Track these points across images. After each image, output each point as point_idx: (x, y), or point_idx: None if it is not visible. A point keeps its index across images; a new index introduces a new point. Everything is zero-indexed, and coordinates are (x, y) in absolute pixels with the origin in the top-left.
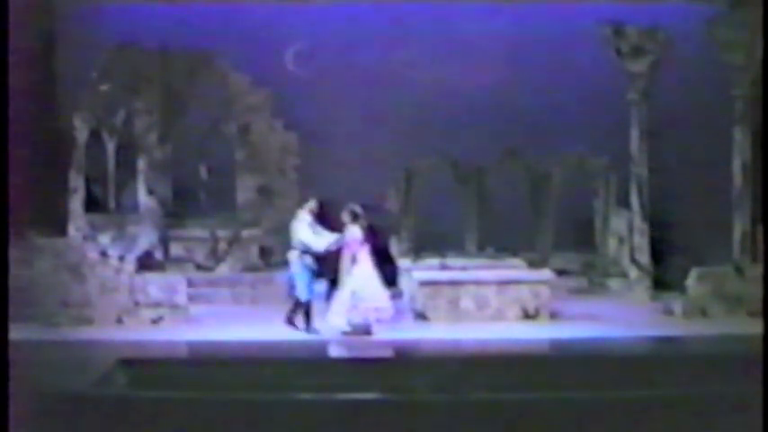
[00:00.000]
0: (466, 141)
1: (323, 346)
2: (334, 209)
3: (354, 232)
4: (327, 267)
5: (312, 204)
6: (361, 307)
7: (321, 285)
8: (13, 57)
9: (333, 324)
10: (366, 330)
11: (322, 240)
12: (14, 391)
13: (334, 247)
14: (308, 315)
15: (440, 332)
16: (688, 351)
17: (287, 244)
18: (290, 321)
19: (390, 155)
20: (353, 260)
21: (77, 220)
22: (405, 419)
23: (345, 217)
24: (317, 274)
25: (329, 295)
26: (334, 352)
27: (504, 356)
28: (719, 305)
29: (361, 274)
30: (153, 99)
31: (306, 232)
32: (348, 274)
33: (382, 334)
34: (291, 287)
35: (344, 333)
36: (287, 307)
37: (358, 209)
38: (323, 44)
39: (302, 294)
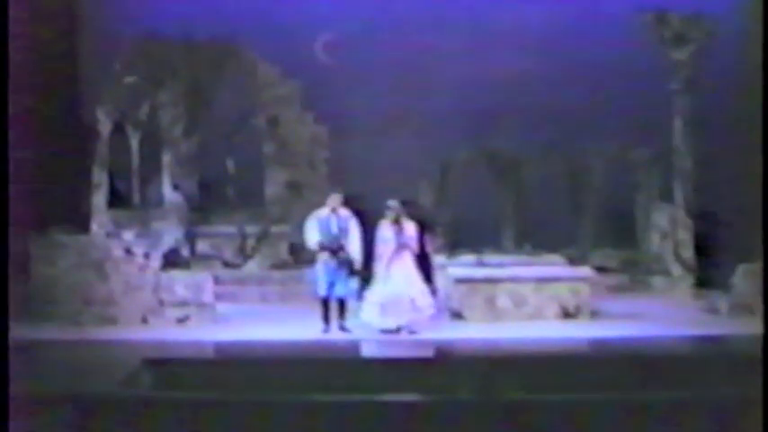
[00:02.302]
0: (503, 133)
1: (355, 345)
2: (364, 203)
3: (409, 229)
4: (362, 264)
5: (334, 200)
6: (401, 305)
7: (354, 282)
8: (35, 49)
9: (368, 323)
10: (407, 330)
11: (311, 237)
12: (35, 393)
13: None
14: (335, 313)
15: (476, 331)
16: (733, 351)
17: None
18: (342, 327)
19: (424, 147)
20: (392, 257)
21: (101, 217)
22: (439, 422)
23: (388, 213)
24: (349, 271)
25: (361, 293)
26: (367, 352)
27: (542, 357)
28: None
29: (400, 270)
30: (178, 91)
31: (306, 229)
32: (386, 271)
33: (418, 334)
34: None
35: (382, 332)
36: (317, 306)
37: (398, 204)
38: (354, 34)
39: (320, 290)
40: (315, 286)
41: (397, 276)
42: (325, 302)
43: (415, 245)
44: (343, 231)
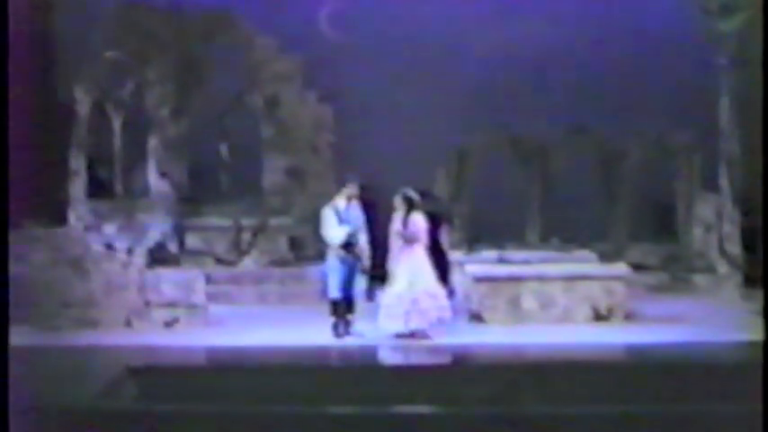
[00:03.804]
0: (528, 115)
1: (364, 351)
2: (374, 193)
3: (418, 220)
4: (373, 262)
5: (350, 189)
6: (418, 307)
7: (361, 282)
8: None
9: (384, 327)
10: (423, 334)
11: (338, 232)
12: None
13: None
14: (346, 316)
15: (498, 336)
16: None
17: (320, 234)
18: (349, 331)
19: (440, 131)
20: (398, 253)
21: (79, 208)
22: None
23: (398, 203)
24: (357, 269)
25: (370, 294)
26: (378, 359)
27: (571, 365)
28: None
29: (405, 268)
30: (166, 67)
31: (326, 222)
32: (401, 270)
33: (430, 339)
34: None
35: (397, 337)
36: (321, 307)
37: (413, 194)
38: (362, 3)
39: (332, 292)
40: (325, 286)
41: (400, 275)
42: (335, 304)
43: (425, 238)
44: (359, 225)
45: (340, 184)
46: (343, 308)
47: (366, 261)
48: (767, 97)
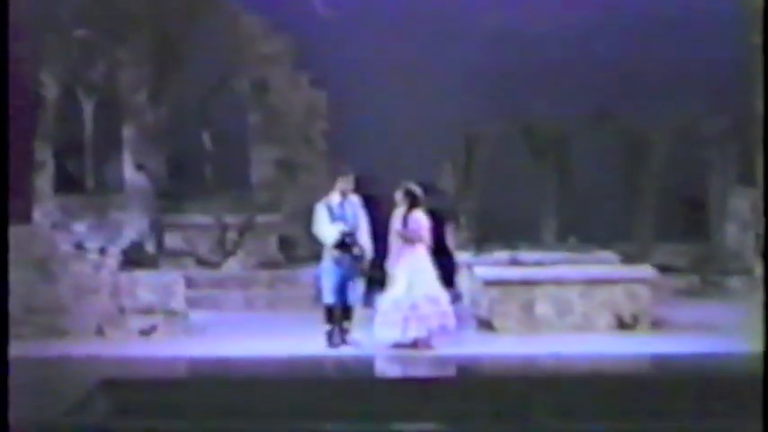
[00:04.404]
0: (543, 100)
1: (362, 363)
2: (373, 187)
3: (419, 218)
4: (372, 263)
5: (344, 182)
6: (417, 313)
7: (359, 286)
8: None
9: (380, 336)
10: (425, 343)
11: (331, 231)
12: None
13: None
14: (342, 323)
15: (509, 346)
16: None
17: (312, 233)
18: (346, 340)
19: (446, 118)
20: (397, 254)
21: (45, 203)
22: None
23: (399, 198)
24: (354, 272)
25: (368, 298)
26: (377, 371)
27: (591, 378)
28: None
29: (403, 271)
30: (142, 47)
31: (317, 219)
32: (400, 272)
33: (439, 348)
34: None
35: (397, 346)
36: (315, 314)
37: (416, 188)
38: None
39: (326, 297)
40: (318, 290)
41: (399, 278)
42: (330, 311)
43: (427, 238)
44: (356, 222)
45: (333, 177)
46: (338, 314)
47: (365, 262)
48: (767, 97)
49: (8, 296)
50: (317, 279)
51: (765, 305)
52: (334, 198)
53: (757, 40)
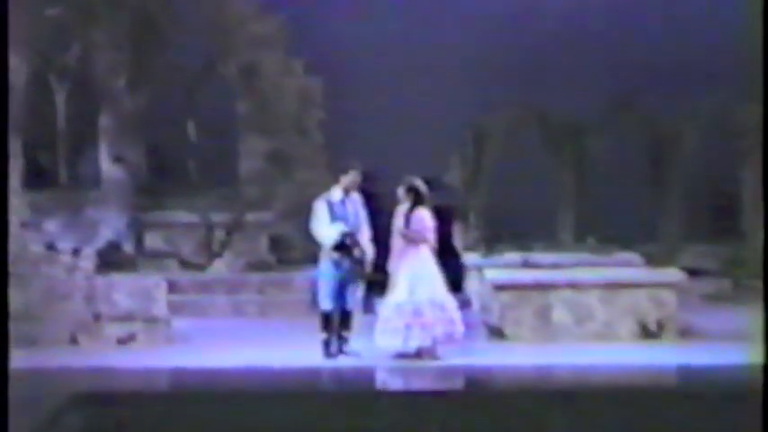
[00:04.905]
0: (560, 87)
1: (361, 374)
2: (374, 183)
3: (423, 217)
4: (374, 266)
5: (350, 177)
6: (421, 320)
7: (359, 291)
8: None
9: (380, 344)
10: (430, 353)
11: (330, 231)
12: None
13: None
14: (340, 331)
15: (522, 356)
16: None
17: (309, 232)
18: (343, 350)
19: (453, 107)
20: (399, 255)
21: (14, 200)
22: None
23: (402, 195)
24: (354, 276)
25: (368, 304)
26: (378, 383)
27: (612, 390)
28: None
29: (406, 273)
30: (120, 28)
31: (316, 218)
32: (402, 276)
33: (445, 358)
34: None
35: (399, 356)
36: (310, 321)
37: (421, 184)
38: None
39: (323, 303)
40: (315, 296)
41: (401, 282)
42: (327, 318)
43: (431, 238)
44: (358, 222)
45: (339, 172)
46: (336, 322)
47: (367, 265)
48: (767, 98)
49: (8, 303)
50: (313, 283)
51: (765, 301)
52: (336, 194)
53: None
